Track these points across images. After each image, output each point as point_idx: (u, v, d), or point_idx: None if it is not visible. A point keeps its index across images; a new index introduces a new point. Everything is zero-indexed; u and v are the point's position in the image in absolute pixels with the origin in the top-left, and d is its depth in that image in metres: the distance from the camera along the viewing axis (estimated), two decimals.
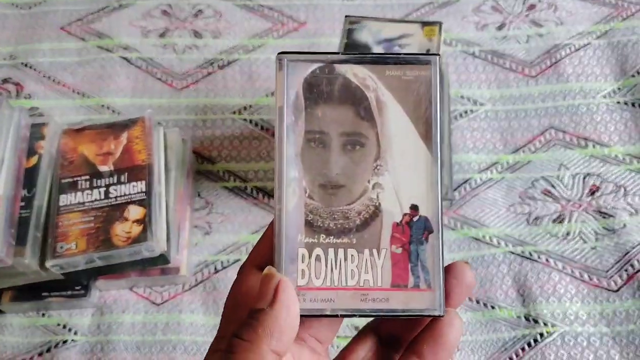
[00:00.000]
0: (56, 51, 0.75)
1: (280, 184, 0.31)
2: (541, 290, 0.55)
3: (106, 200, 0.52)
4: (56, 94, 0.71)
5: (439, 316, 0.30)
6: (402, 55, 0.32)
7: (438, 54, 0.34)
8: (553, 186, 0.62)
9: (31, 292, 0.56)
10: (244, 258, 0.33)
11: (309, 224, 0.31)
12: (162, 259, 0.51)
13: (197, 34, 0.75)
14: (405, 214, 0.31)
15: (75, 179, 0.53)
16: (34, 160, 0.53)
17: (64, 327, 0.56)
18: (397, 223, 0.31)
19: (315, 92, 0.32)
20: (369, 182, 0.32)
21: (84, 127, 0.57)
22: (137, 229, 0.50)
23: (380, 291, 0.31)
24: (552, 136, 0.65)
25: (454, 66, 0.70)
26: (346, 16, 0.54)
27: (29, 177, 0.51)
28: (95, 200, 0.52)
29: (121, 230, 0.50)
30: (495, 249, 0.59)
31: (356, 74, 0.32)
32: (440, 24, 0.51)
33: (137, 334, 0.55)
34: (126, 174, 0.53)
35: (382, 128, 0.32)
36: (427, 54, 0.38)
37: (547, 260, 0.57)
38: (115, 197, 0.52)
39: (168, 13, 0.77)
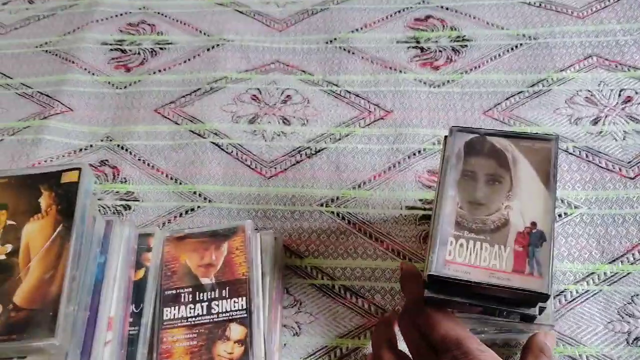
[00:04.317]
0: (151, 134, 0.78)
1: (441, 197, 0.47)
2: None
3: (208, 317, 0.53)
4: (150, 179, 0.74)
5: (546, 295, 0.43)
6: (532, 134, 0.50)
7: (557, 135, 0.51)
8: None
9: None
10: None
11: (457, 223, 0.46)
12: None
13: (285, 121, 0.77)
14: (526, 227, 0.45)
15: (178, 291, 0.55)
16: (141, 273, 0.55)
17: None
18: (520, 232, 0.45)
19: (472, 149, 0.49)
20: (502, 204, 0.46)
21: (185, 235, 0.58)
22: (239, 350, 0.51)
23: (504, 273, 0.43)
24: None
25: None
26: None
27: (136, 291, 0.53)
28: (198, 315, 0.53)
29: (223, 350, 0.51)
30: None
31: (499, 142, 0.49)
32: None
33: None
34: (227, 288, 0.54)
35: (514, 173, 0.47)
36: (550, 134, 0.52)
37: None
38: (217, 314, 0.53)
39: (257, 98, 0.79)
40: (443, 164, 0.50)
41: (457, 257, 0.45)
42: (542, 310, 0.49)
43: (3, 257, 0.45)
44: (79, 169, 0.48)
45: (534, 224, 0.45)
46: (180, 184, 0.73)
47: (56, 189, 0.47)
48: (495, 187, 0.47)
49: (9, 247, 0.45)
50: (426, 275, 0.46)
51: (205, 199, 0.71)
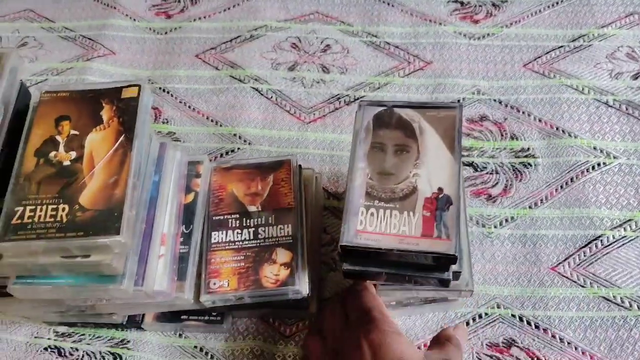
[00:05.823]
0: (191, 78, 0.79)
1: (352, 170, 0.48)
2: None
3: (255, 241, 0.54)
4: (191, 121, 0.75)
5: (454, 255, 0.43)
6: (437, 103, 0.52)
7: (461, 102, 0.59)
8: None
9: (172, 314, 0.59)
10: None
11: (368, 194, 0.47)
12: (304, 301, 0.54)
13: (324, 69, 0.77)
14: (434, 192, 0.46)
15: (225, 217, 0.56)
16: (190, 197, 0.56)
17: (201, 350, 0.60)
18: (428, 197, 0.46)
19: (380, 121, 0.50)
20: (410, 172, 0.47)
21: (232, 166, 0.60)
22: (284, 272, 0.52)
23: (413, 238, 0.44)
24: None
25: (586, 115, 0.69)
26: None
27: (186, 214, 0.55)
28: (245, 240, 0.55)
29: (269, 272, 0.53)
30: (627, 311, 0.58)
31: (407, 113, 0.50)
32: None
33: None
34: (273, 216, 0.56)
35: (421, 142, 0.49)
36: (454, 102, 0.55)
37: None
38: (264, 239, 0.54)
39: (297, 46, 0.80)
40: (353, 138, 0.51)
41: (368, 226, 0.46)
42: (457, 274, 0.48)
43: (68, 162, 0.46)
44: (139, 85, 0.49)
45: (440, 190, 0.46)
46: (221, 126, 0.74)
47: (117, 102, 0.48)
48: (403, 156, 0.48)
49: (73, 154, 0.47)
50: (339, 247, 0.47)
51: (245, 141, 0.73)
